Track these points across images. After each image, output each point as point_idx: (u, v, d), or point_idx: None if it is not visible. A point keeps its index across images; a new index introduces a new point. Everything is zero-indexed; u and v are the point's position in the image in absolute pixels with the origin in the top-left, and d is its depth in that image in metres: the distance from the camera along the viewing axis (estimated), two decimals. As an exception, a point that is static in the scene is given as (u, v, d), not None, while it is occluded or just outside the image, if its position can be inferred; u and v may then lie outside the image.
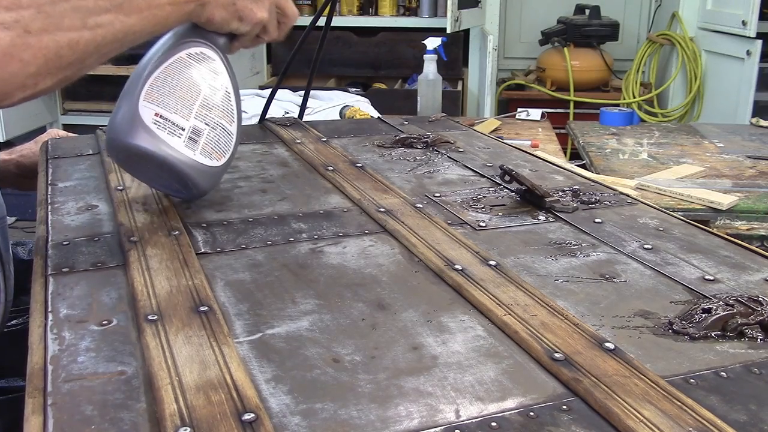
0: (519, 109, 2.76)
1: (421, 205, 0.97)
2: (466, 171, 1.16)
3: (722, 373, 0.59)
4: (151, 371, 0.58)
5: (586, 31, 3.84)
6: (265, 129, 1.42)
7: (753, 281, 0.76)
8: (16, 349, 0.77)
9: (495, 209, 0.98)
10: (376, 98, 2.74)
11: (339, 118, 2.24)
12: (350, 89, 3.16)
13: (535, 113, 2.67)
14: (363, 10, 3.96)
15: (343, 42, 3.86)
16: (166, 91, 0.85)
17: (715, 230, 0.95)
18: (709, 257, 0.82)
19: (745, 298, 0.69)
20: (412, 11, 3.98)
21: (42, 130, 3.71)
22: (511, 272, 0.76)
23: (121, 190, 1.00)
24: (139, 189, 1.01)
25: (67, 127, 3.55)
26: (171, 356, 0.60)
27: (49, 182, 1.07)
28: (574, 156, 2.46)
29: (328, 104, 2.34)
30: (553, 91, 3.89)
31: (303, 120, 1.48)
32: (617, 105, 3.63)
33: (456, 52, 3.75)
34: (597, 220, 0.94)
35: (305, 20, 4.00)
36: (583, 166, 1.99)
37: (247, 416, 0.52)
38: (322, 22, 1.37)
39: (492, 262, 0.78)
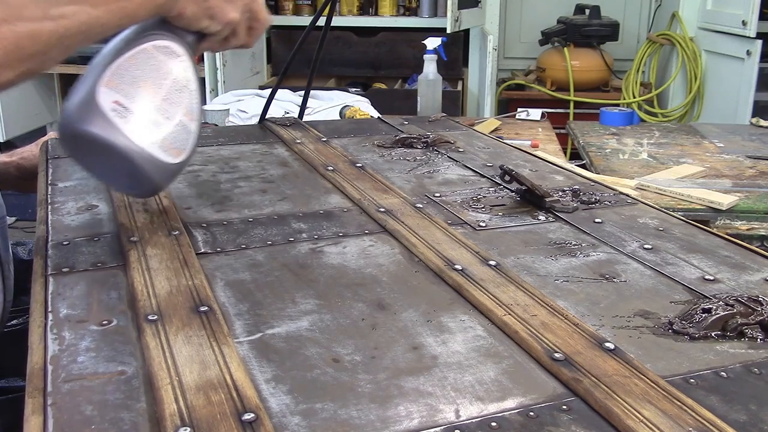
0: (519, 109, 2.76)
1: (421, 205, 0.97)
2: (466, 171, 1.16)
3: (722, 373, 0.59)
4: (151, 371, 0.58)
5: (586, 31, 3.84)
6: (265, 129, 1.42)
7: (753, 281, 0.76)
8: (16, 349, 0.77)
9: (495, 209, 0.98)
10: (376, 98, 2.73)
11: (339, 118, 2.24)
12: (350, 89, 3.16)
13: (535, 113, 2.67)
14: (363, 10, 3.96)
15: (343, 42, 3.86)
16: (128, 79, 0.81)
17: (715, 230, 0.95)
18: (709, 257, 0.82)
19: (745, 298, 0.69)
20: (412, 11, 3.97)
21: (42, 129, 3.71)
22: (511, 272, 0.76)
23: (121, 190, 1.00)
24: (139, 189, 1.01)
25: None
26: (171, 356, 0.60)
27: (49, 182, 1.07)
28: (574, 156, 2.46)
29: (328, 104, 2.34)
30: (553, 91, 3.89)
31: (303, 120, 1.48)
32: (617, 105, 3.63)
33: (456, 52, 3.75)
34: (597, 220, 0.94)
35: (305, 20, 3.96)
36: (583, 166, 1.99)
37: (247, 416, 0.52)
38: (322, 22, 1.37)
39: (492, 262, 0.78)
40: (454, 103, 3.23)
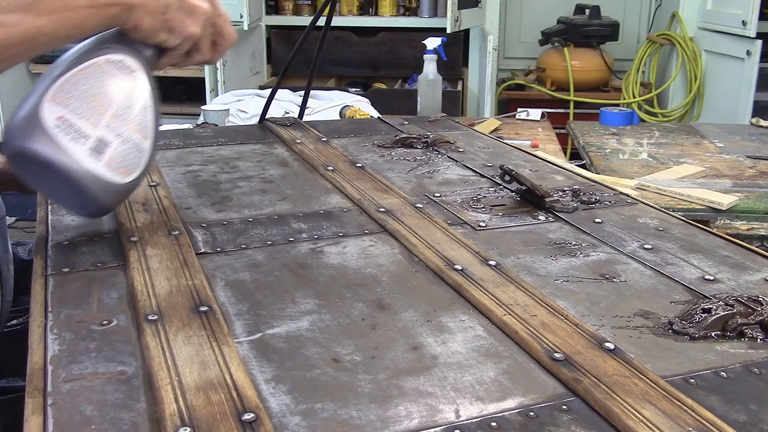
0: (519, 109, 2.76)
1: (421, 205, 0.97)
2: (466, 171, 1.16)
3: (722, 373, 0.59)
4: (151, 371, 0.58)
5: (586, 31, 3.83)
6: (265, 129, 1.42)
7: (753, 281, 0.76)
8: (16, 349, 0.77)
9: (495, 209, 0.98)
10: (376, 98, 2.73)
11: (339, 118, 2.24)
12: (350, 89, 3.16)
13: (535, 113, 2.67)
14: (363, 10, 3.96)
15: (343, 42, 3.86)
16: (76, 94, 0.77)
17: (715, 230, 0.95)
18: (709, 257, 0.82)
19: (745, 298, 0.69)
20: (412, 11, 3.97)
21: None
22: (511, 272, 0.76)
23: (121, 190, 1.00)
24: (139, 189, 1.01)
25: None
26: (171, 356, 0.60)
27: (49, 182, 1.07)
28: (574, 156, 2.46)
29: (328, 104, 2.34)
30: (553, 91, 3.88)
31: (303, 120, 1.48)
32: (617, 105, 3.63)
33: (456, 52, 3.75)
34: (597, 220, 0.94)
35: (305, 20, 3.96)
36: (583, 166, 1.99)
37: (247, 416, 0.52)
38: (322, 22, 1.37)
39: (492, 262, 0.78)
40: (454, 103, 3.23)
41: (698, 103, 3.59)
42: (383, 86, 3.81)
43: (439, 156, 1.25)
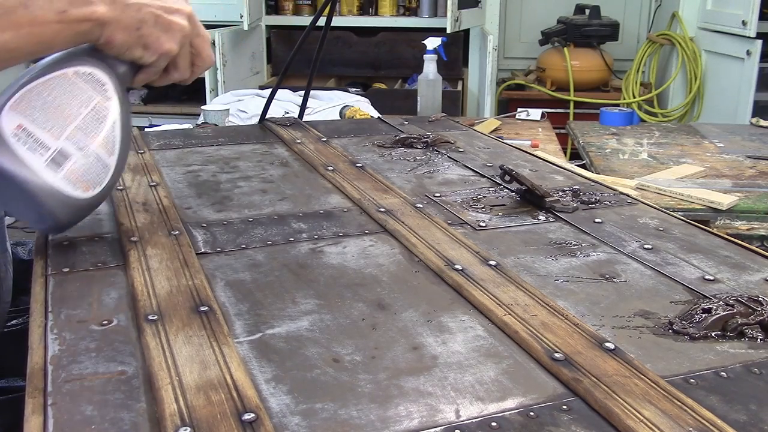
0: (519, 109, 2.76)
1: (421, 205, 0.97)
2: (466, 171, 1.16)
3: (722, 373, 0.59)
4: (151, 371, 0.58)
5: (586, 31, 3.83)
6: (265, 129, 1.42)
7: (753, 281, 0.76)
8: (16, 349, 0.77)
9: (495, 209, 0.98)
10: (376, 98, 2.73)
11: (339, 118, 2.24)
12: (350, 89, 3.16)
13: (535, 113, 2.67)
14: (363, 10, 3.96)
15: (343, 42, 3.86)
16: (39, 104, 0.74)
17: (715, 230, 0.95)
18: (709, 257, 0.82)
19: (745, 298, 0.69)
20: (412, 11, 3.97)
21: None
22: (511, 272, 0.76)
23: (121, 190, 1.00)
24: (139, 189, 1.01)
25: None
26: (171, 356, 0.60)
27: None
28: (574, 156, 2.46)
29: (328, 104, 2.34)
30: (553, 91, 3.88)
31: (303, 120, 1.48)
32: (617, 105, 3.63)
33: (456, 52, 3.75)
34: (597, 220, 0.94)
35: (305, 20, 3.96)
36: (583, 166, 1.99)
37: (247, 416, 0.52)
38: (322, 22, 1.37)
39: (492, 262, 0.78)
40: (454, 103, 3.23)
41: (698, 103, 3.59)
42: (383, 86, 3.81)
43: (439, 156, 1.25)
